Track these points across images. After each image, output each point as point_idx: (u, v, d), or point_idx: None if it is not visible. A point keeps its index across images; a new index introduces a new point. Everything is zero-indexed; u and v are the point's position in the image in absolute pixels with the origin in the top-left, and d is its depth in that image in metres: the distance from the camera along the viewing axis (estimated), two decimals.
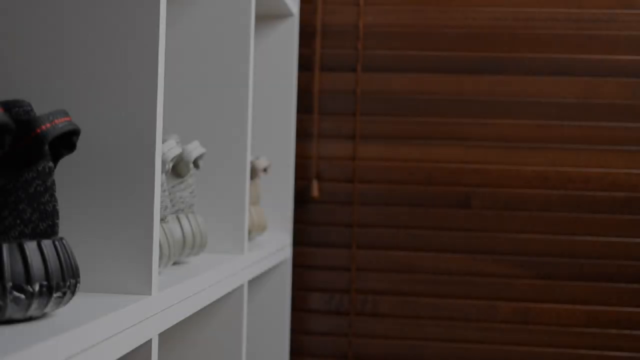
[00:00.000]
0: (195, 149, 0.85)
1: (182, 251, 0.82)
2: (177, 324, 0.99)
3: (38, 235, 0.50)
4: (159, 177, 0.63)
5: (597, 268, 1.44)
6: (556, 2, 1.46)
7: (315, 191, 1.49)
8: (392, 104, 1.49)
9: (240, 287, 0.99)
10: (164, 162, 0.74)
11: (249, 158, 1.01)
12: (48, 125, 0.50)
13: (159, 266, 0.74)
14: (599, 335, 1.44)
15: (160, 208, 0.74)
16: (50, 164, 0.51)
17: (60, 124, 0.51)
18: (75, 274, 0.51)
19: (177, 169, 0.84)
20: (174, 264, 0.86)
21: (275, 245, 1.25)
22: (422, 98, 1.48)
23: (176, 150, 0.76)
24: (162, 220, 0.75)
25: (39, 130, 0.49)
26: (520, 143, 1.46)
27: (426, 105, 1.48)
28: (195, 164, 0.89)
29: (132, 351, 0.62)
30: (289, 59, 1.39)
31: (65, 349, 0.47)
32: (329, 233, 1.50)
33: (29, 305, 0.48)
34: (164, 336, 0.99)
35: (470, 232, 1.47)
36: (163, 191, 0.75)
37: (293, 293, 1.50)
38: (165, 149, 0.75)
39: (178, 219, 0.82)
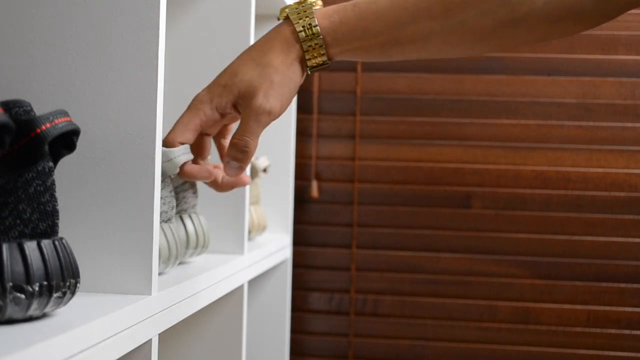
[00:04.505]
0: None
1: (185, 251, 0.82)
2: (177, 324, 0.99)
3: (38, 235, 0.50)
4: (158, 177, 0.63)
5: (597, 268, 1.44)
6: None
7: (314, 191, 1.49)
8: (392, 104, 1.49)
9: (240, 287, 0.99)
10: (174, 166, 0.74)
11: None
12: (48, 125, 0.50)
13: (166, 267, 0.74)
14: (599, 335, 1.44)
15: (168, 208, 0.74)
16: (50, 164, 0.51)
17: (60, 124, 0.51)
18: (75, 274, 0.51)
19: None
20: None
21: (275, 245, 1.25)
22: (422, 98, 1.48)
23: (188, 156, 0.75)
24: (169, 220, 0.75)
25: (39, 130, 0.49)
26: (520, 143, 1.46)
27: (426, 105, 1.48)
28: None
29: (132, 351, 0.62)
30: None
31: (65, 349, 0.47)
32: (329, 233, 1.50)
33: (29, 305, 0.48)
34: (164, 336, 0.99)
35: (471, 232, 1.47)
36: (169, 192, 0.75)
37: (293, 293, 1.50)
38: (178, 153, 0.75)
39: (181, 219, 0.82)
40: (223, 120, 0.73)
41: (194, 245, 0.83)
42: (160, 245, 0.71)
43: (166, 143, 0.73)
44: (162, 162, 0.75)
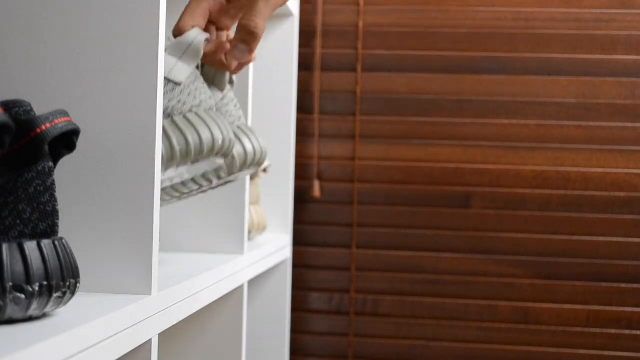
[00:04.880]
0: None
1: (244, 166, 0.79)
2: (177, 324, 0.99)
3: (38, 235, 0.50)
4: (158, 177, 0.63)
5: (597, 268, 1.44)
6: (556, 2, 1.46)
7: (316, 191, 1.49)
8: (392, 104, 1.49)
9: (240, 287, 0.99)
10: (197, 48, 0.72)
11: None
12: (48, 125, 0.50)
13: (219, 155, 0.71)
14: (599, 335, 1.44)
15: (206, 97, 0.71)
16: (50, 164, 0.51)
17: (60, 124, 0.51)
18: (75, 274, 0.51)
19: (216, 83, 0.81)
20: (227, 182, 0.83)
21: (275, 245, 1.25)
22: (422, 98, 1.48)
23: (206, 35, 0.74)
24: (210, 109, 0.73)
25: (39, 130, 0.49)
26: (520, 143, 1.46)
27: (426, 105, 1.48)
28: (230, 80, 0.86)
29: (132, 351, 0.62)
30: (289, 59, 1.39)
31: (65, 349, 0.47)
32: (329, 233, 1.50)
33: (29, 305, 0.48)
34: (164, 336, 0.99)
35: (470, 232, 1.47)
36: (202, 83, 0.72)
37: (293, 293, 1.50)
38: (195, 34, 0.72)
39: (236, 135, 0.79)
40: (229, 6, 0.73)
41: (252, 160, 0.80)
42: (214, 134, 0.70)
43: (178, 31, 0.72)
44: (182, 55, 0.73)
